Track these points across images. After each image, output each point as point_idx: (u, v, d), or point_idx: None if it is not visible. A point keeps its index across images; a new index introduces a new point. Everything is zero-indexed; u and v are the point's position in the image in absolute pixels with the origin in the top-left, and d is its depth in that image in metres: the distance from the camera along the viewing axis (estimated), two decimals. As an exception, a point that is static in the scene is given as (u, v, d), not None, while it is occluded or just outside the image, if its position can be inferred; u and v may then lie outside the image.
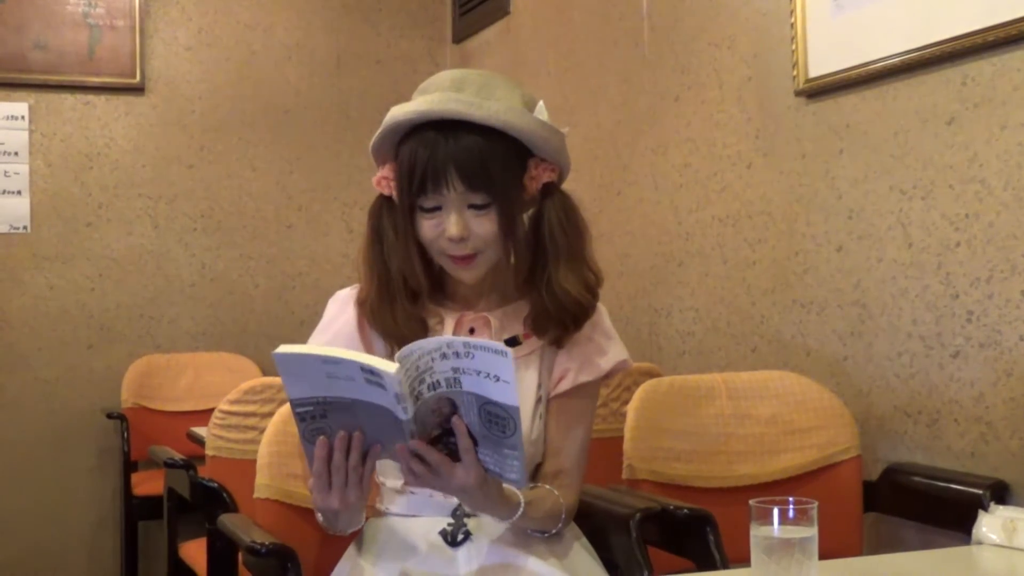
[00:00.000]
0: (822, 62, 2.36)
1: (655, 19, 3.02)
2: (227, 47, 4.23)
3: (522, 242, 1.59)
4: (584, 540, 1.71)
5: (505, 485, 1.46)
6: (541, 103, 1.60)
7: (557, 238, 1.59)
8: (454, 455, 1.37)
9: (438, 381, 1.32)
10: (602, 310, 1.68)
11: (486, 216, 1.54)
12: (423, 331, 1.60)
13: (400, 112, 1.55)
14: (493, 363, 1.28)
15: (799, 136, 2.48)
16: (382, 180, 1.61)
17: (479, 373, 1.30)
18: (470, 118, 1.51)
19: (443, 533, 1.58)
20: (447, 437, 1.37)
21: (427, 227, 1.55)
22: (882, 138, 2.24)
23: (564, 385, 1.63)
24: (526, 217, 1.63)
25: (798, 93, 2.45)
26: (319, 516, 1.59)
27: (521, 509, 1.49)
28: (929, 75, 2.12)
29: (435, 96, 1.54)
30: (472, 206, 1.53)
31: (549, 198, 1.61)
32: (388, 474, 1.65)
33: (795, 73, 2.44)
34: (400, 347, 1.53)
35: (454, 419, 1.34)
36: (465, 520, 1.59)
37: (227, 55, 4.23)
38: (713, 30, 2.77)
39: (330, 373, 1.31)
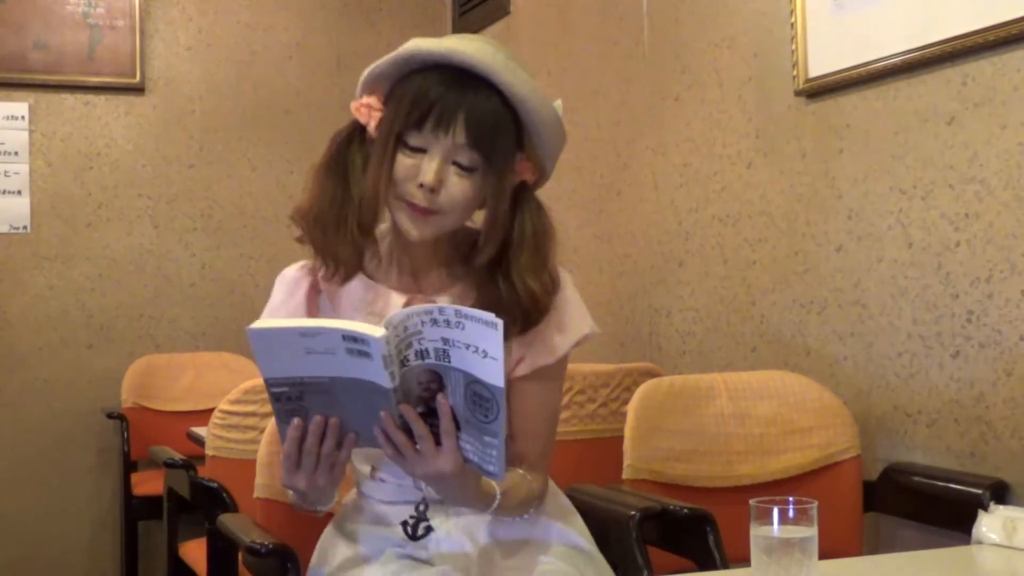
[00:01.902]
0: (822, 62, 2.36)
1: (655, 19, 3.02)
2: (227, 47, 4.23)
3: (501, 219, 1.49)
4: (566, 508, 1.64)
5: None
6: (559, 101, 1.55)
7: (526, 231, 1.51)
8: (435, 439, 1.32)
9: (427, 350, 1.27)
10: (565, 280, 1.57)
11: (467, 179, 1.45)
12: (359, 259, 1.53)
13: (428, 44, 1.46)
14: (483, 336, 1.24)
15: (799, 136, 2.48)
16: (363, 108, 1.52)
17: (468, 347, 1.25)
18: (501, 78, 1.44)
19: (404, 524, 1.55)
20: (430, 419, 1.32)
21: (403, 165, 1.45)
22: (882, 138, 2.24)
23: (522, 369, 1.55)
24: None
25: (798, 93, 2.45)
26: (289, 497, 1.54)
27: (496, 502, 1.46)
28: (929, 75, 2.12)
29: (472, 44, 1.46)
30: (457, 163, 1.45)
31: (524, 196, 1.53)
32: (357, 458, 1.61)
33: (795, 73, 2.44)
34: (333, 268, 1.50)
35: (439, 398, 1.30)
36: (428, 515, 1.55)
37: (227, 55, 4.23)
38: (713, 30, 2.77)
39: (309, 348, 1.27)
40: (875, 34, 2.22)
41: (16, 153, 3.98)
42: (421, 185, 1.44)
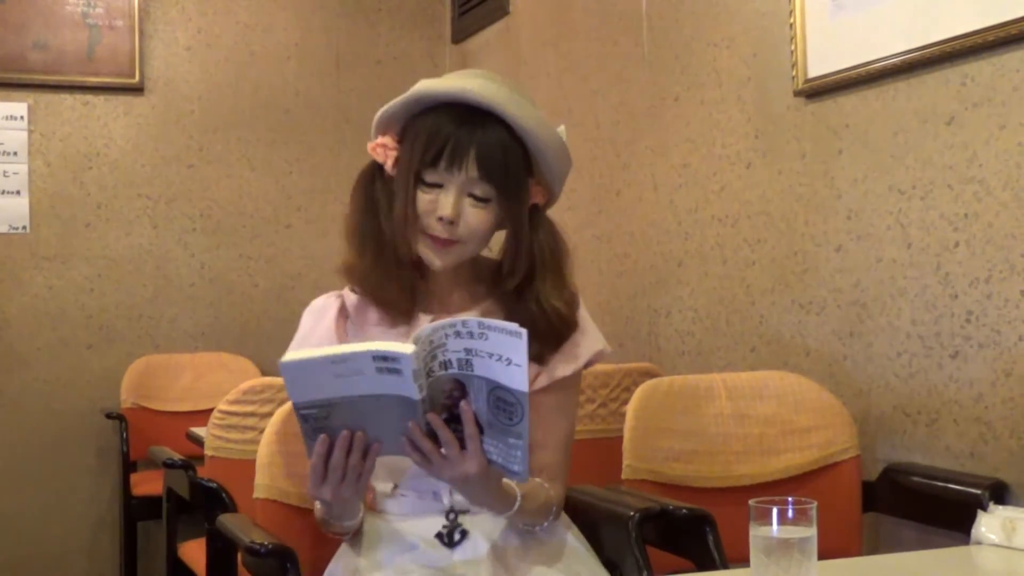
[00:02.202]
0: (821, 62, 2.36)
1: (654, 19, 3.02)
2: (226, 47, 4.23)
3: (525, 243, 1.59)
4: (575, 530, 1.72)
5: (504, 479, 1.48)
6: (563, 127, 1.63)
7: (546, 254, 1.61)
8: (459, 443, 1.38)
9: (450, 361, 1.33)
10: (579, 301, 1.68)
11: (482, 209, 1.54)
12: (413, 299, 1.61)
13: (435, 85, 1.55)
14: (507, 345, 1.29)
15: (798, 136, 2.48)
16: (379, 148, 1.60)
17: (491, 356, 1.30)
18: (506, 112, 1.52)
19: (439, 536, 1.59)
20: (453, 424, 1.37)
21: (422, 201, 1.54)
22: (881, 138, 2.24)
23: (542, 381, 1.62)
24: None
25: (797, 93, 2.45)
26: (317, 512, 1.60)
27: (518, 503, 1.51)
28: (928, 75, 2.12)
29: (477, 81, 1.55)
30: (472, 195, 1.54)
31: (537, 218, 1.63)
32: (377, 478, 1.66)
33: (794, 73, 2.44)
34: (390, 313, 1.59)
35: (462, 404, 1.35)
36: (460, 521, 1.60)
37: (226, 55, 4.23)
38: (712, 30, 2.77)
39: (338, 372, 1.32)
40: (874, 34, 2.22)
41: (15, 153, 3.98)
42: (440, 219, 1.53)
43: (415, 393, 1.32)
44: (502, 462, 1.39)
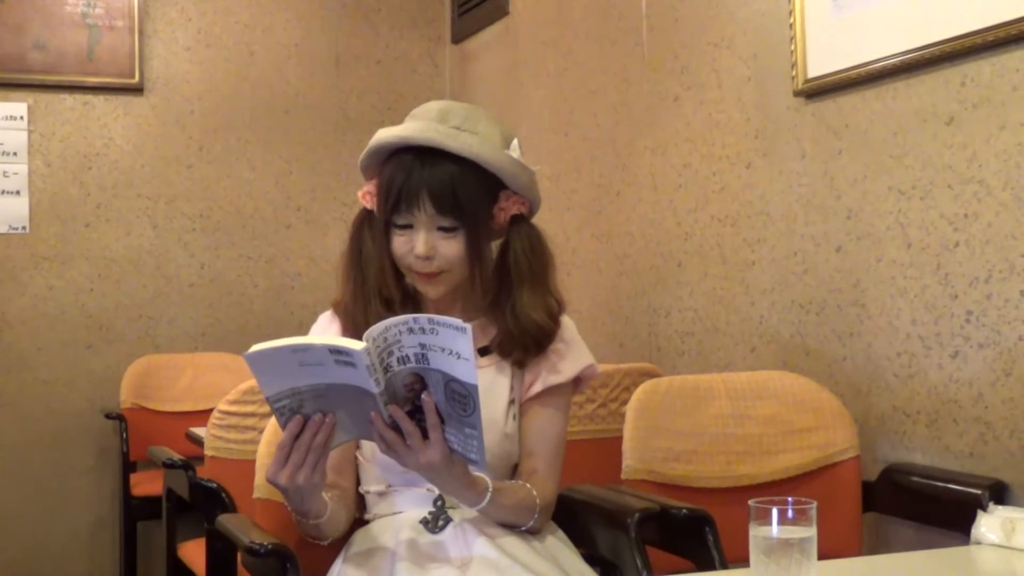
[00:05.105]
0: (821, 62, 2.36)
1: (654, 19, 3.02)
2: (226, 47, 4.23)
3: (488, 266, 1.69)
4: (561, 533, 1.76)
5: (477, 473, 1.56)
6: (516, 141, 1.72)
7: (522, 266, 1.71)
8: (423, 433, 1.47)
9: (408, 355, 1.42)
10: (567, 322, 1.78)
11: (453, 239, 1.65)
12: None
13: (384, 135, 1.68)
14: (454, 340, 1.38)
15: (798, 136, 2.48)
16: (366, 195, 1.73)
17: (443, 350, 1.39)
18: (446, 148, 1.63)
19: (424, 521, 1.66)
20: (416, 415, 1.46)
21: (398, 243, 1.67)
22: (881, 138, 2.24)
23: (536, 388, 1.73)
24: (495, 245, 1.74)
25: (797, 93, 2.45)
26: (293, 514, 1.66)
27: (489, 494, 1.57)
28: (928, 75, 2.13)
29: (419, 124, 1.66)
30: (440, 228, 1.65)
31: (516, 228, 1.72)
32: (370, 481, 1.73)
33: (794, 73, 2.44)
34: None
35: (424, 395, 1.44)
36: (446, 509, 1.67)
37: (226, 55, 4.23)
38: (712, 30, 2.77)
39: (302, 361, 1.41)
40: (874, 34, 2.22)
41: (15, 153, 3.98)
42: (417, 256, 1.65)
43: (372, 386, 1.41)
44: (462, 451, 1.49)
